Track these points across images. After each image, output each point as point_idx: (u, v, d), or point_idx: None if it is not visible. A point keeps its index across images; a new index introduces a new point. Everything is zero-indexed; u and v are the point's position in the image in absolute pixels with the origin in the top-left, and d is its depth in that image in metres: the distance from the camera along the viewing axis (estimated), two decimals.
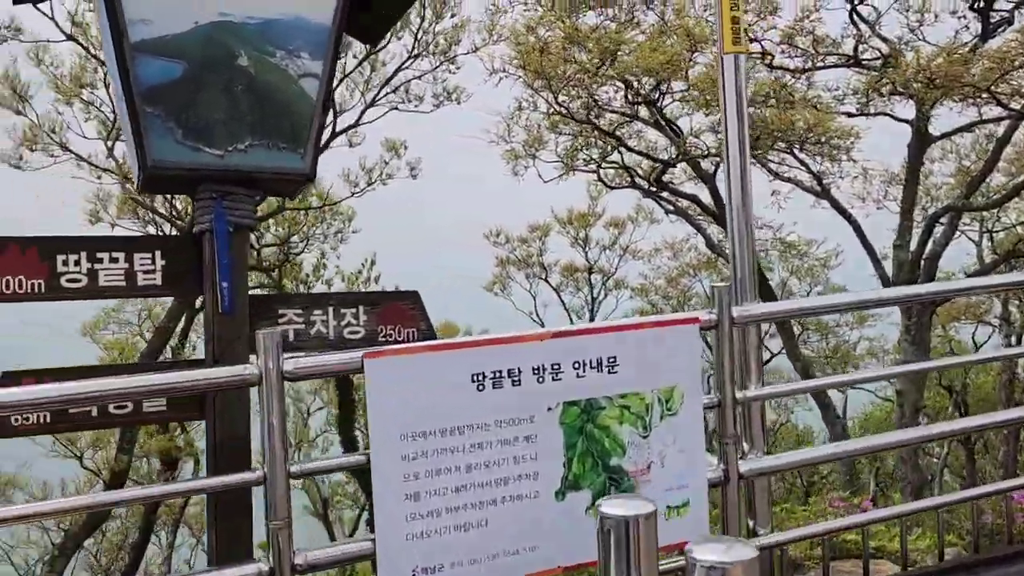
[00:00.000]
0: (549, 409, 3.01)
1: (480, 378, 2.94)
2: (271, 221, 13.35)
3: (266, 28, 3.26)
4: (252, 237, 14.27)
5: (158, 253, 3.38)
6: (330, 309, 3.67)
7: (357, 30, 3.87)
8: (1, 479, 13.30)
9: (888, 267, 13.85)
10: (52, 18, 9.56)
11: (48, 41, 9.86)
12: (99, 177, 11.05)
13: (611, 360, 3.13)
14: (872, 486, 16.68)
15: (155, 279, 3.38)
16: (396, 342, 3.76)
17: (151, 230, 11.65)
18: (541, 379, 3.02)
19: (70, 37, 9.70)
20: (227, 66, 3.21)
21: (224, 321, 3.34)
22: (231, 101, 3.22)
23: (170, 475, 11.37)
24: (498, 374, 2.97)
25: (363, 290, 20.26)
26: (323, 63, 3.36)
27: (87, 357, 12.19)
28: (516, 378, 2.99)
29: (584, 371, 3.08)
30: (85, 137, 10.60)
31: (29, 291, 3.19)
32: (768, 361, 19.29)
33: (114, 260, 3.31)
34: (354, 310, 3.70)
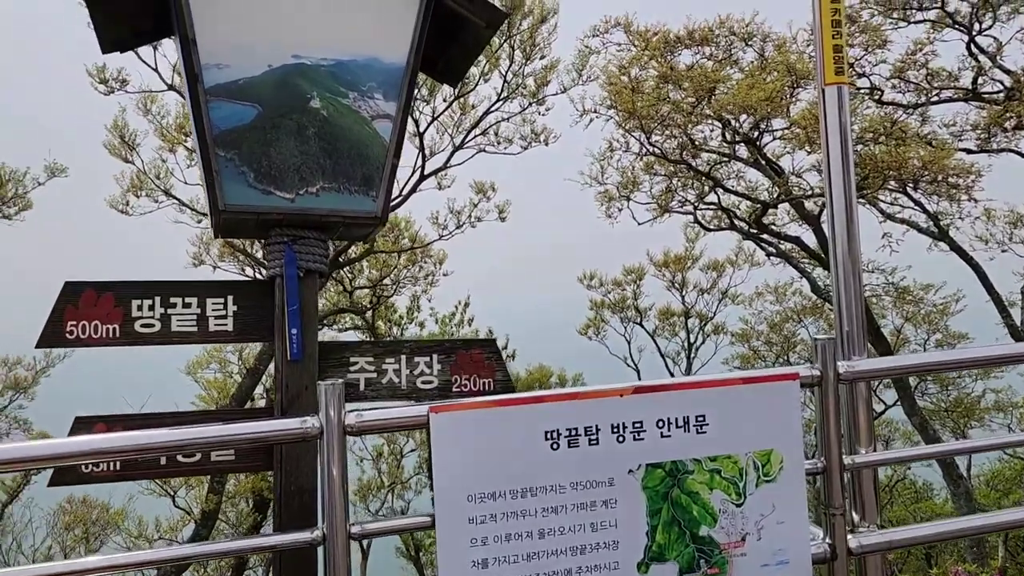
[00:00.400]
0: (630, 471, 2.75)
1: (554, 436, 2.71)
2: (364, 263, 13.53)
3: (339, 69, 3.19)
4: (346, 279, 14.57)
5: (230, 298, 3.32)
6: (403, 357, 3.52)
7: (435, 71, 3.78)
8: (101, 519, 13.80)
9: (1016, 315, 12.82)
10: (156, 69, 10.07)
11: (152, 91, 10.38)
12: (199, 221, 11.48)
13: (699, 419, 2.84)
14: (1002, 551, 15.27)
15: (227, 325, 3.32)
16: (470, 392, 3.57)
17: (249, 272, 11.97)
18: (621, 438, 2.77)
19: (171, 87, 10.17)
20: (299, 109, 3.15)
21: (293, 369, 3.24)
22: (303, 144, 3.16)
23: (259, 518, 11.48)
24: (574, 432, 2.73)
25: (454, 332, 20.31)
26: (397, 104, 3.26)
27: (189, 395, 12.59)
28: (594, 436, 2.75)
29: (669, 430, 2.81)
30: (187, 183, 11.07)
31: (104, 336, 3.17)
32: (881, 414, 18.16)
33: (187, 305, 3.28)
34: (427, 359, 3.54)
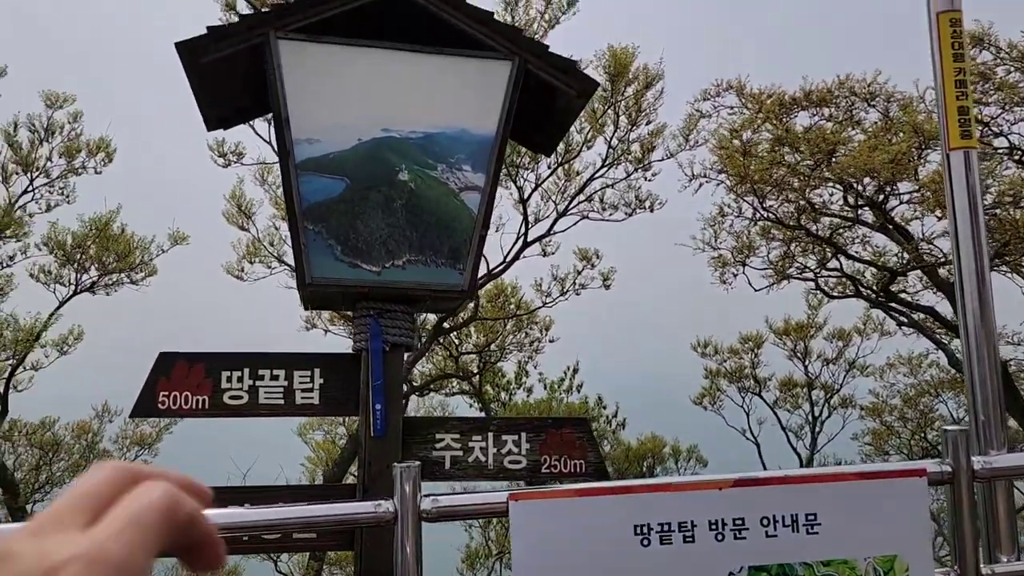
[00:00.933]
0: (731, 574, 2.48)
1: (645, 530, 2.49)
2: (472, 328, 13.57)
3: (427, 142, 3.17)
4: (452, 344, 14.68)
5: (317, 371, 3.29)
6: (490, 435, 3.38)
7: (529, 140, 3.72)
8: None
9: None
10: (269, 142, 10.59)
11: (267, 163, 10.92)
12: None
13: (810, 517, 2.55)
14: None
15: (313, 398, 3.28)
16: (560, 474, 3.38)
17: None
18: (720, 536, 2.51)
19: None
20: (387, 181, 3.14)
21: (376, 445, 3.15)
22: (390, 217, 3.13)
23: None
24: (667, 527, 2.50)
25: (563, 398, 20.02)
26: (485, 175, 3.20)
27: (298, 456, 12.85)
28: (689, 533, 2.50)
29: (775, 529, 2.53)
30: None
31: (194, 408, 3.19)
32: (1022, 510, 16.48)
33: (275, 378, 3.26)
34: (515, 437, 3.38)
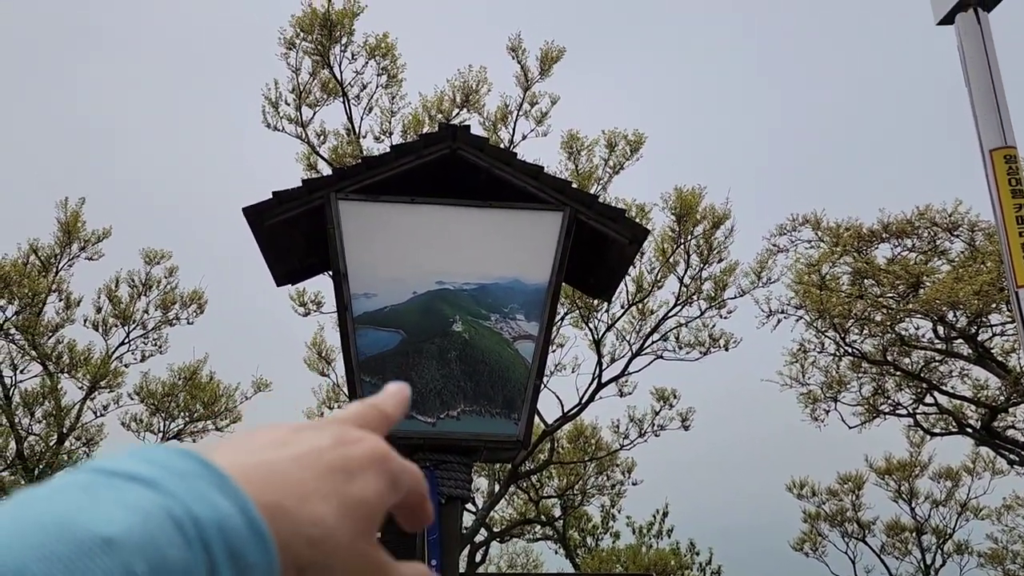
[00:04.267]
0: None
1: None
2: (552, 470, 13.25)
3: (481, 293, 3.23)
4: (534, 486, 14.32)
5: None
6: None
7: (586, 286, 3.74)
8: None
9: None
10: None
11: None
12: None
13: None
14: None
15: None
16: None
17: None
18: None
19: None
20: (442, 333, 3.18)
21: None
22: (445, 368, 3.15)
23: None
24: None
25: (652, 543, 19.07)
26: (539, 324, 3.21)
27: None
28: None
29: None
30: None
31: None
32: None
33: None
34: None
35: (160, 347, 12.30)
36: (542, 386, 3.16)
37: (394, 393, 0.51)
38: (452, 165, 3.38)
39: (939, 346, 11.38)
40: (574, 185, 3.60)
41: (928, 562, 19.30)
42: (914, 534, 19.31)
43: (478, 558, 14.49)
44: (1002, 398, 11.27)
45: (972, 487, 18.66)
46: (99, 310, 12.32)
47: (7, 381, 11.54)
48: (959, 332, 10.81)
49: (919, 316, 10.69)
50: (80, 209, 12.15)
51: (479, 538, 13.77)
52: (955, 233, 10.93)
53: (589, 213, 3.31)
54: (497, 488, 12.21)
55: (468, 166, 3.36)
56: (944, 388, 11.60)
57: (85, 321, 12.21)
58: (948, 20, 3.76)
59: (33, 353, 11.47)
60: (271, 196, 3.19)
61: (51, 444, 11.43)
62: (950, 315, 10.58)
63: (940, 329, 11.07)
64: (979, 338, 10.84)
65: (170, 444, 0.38)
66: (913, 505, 19.26)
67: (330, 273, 3.38)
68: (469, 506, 14.62)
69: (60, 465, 11.27)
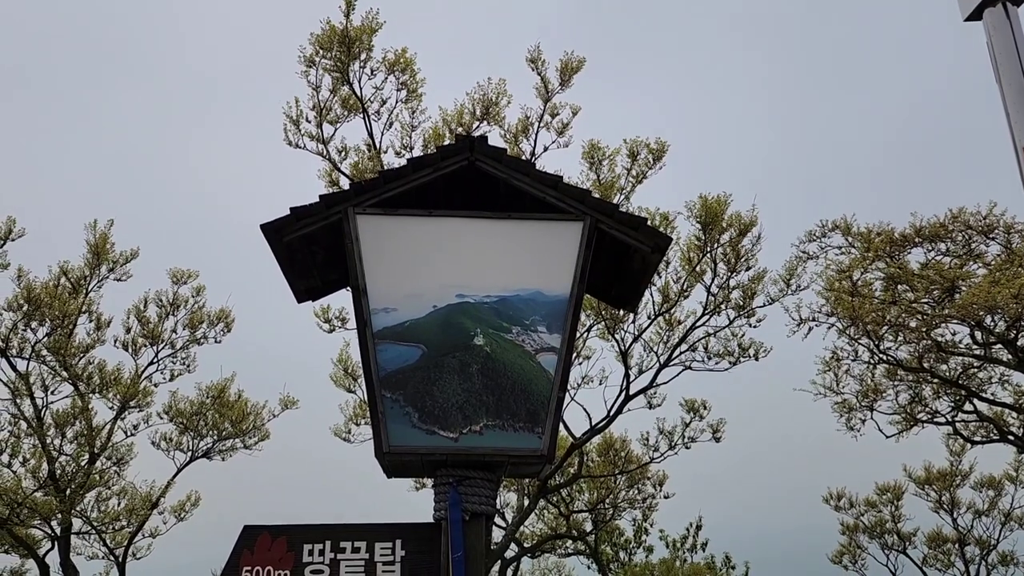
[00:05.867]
0: None
1: None
2: (583, 484, 13.10)
3: (502, 305, 3.17)
4: (564, 500, 14.15)
5: (399, 542, 3.19)
6: None
7: (609, 296, 3.67)
8: None
9: None
10: None
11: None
12: None
13: None
14: None
15: (395, 571, 3.16)
16: None
17: None
18: None
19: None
20: (463, 347, 3.13)
21: None
22: (466, 382, 3.10)
23: None
24: None
25: (687, 558, 18.79)
26: (561, 336, 3.15)
27: None
28: None
29: None
30: None
31: None
32: None
33: (356, 550, 3.18)
34: None
35: (188, 366, 12.43)
36: (568, 399, 3.08)
37: None
38: (470, 177, 3.34)
39: (977, 352, 11.10)
40: (595, 195, 3.53)
41: (972, 574, 18.79)
42: (957, 545, 18.82)
43: (509, 574, 14.36)
44: None
45: (1016, 496, 18.18)
46: (128, 330, 12.47)
47: (39, 402, 11.72)
48: (997, 337, 10.54)
49: (955, 321, 10.44)
50: (109, 231, 12.35)
51: (510, 553, 13.64)
52: (991, 236, 10.68)
53: (610, 222, 3.25)
54: (526, 503, 12.09)
55: (486, 177, 3.31)
56: (983, 395, 11.30)
57: (115, 341, 12.37)
58: (976, 16, 3.66)
59: (64, 374, 11.63)
60: (288, 212, 3.16)
61: (82, 464, 11.56)
62: (988, 320, 10.32)
63: (978, 334, 10.80)
64: (1019, 343, 10.56)
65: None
66: (955, 515, 18.78)
67: (349, 288, 3.34)
68: (499, 521, 14.49)
69: (92, 485, 11.38)
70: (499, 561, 12.98)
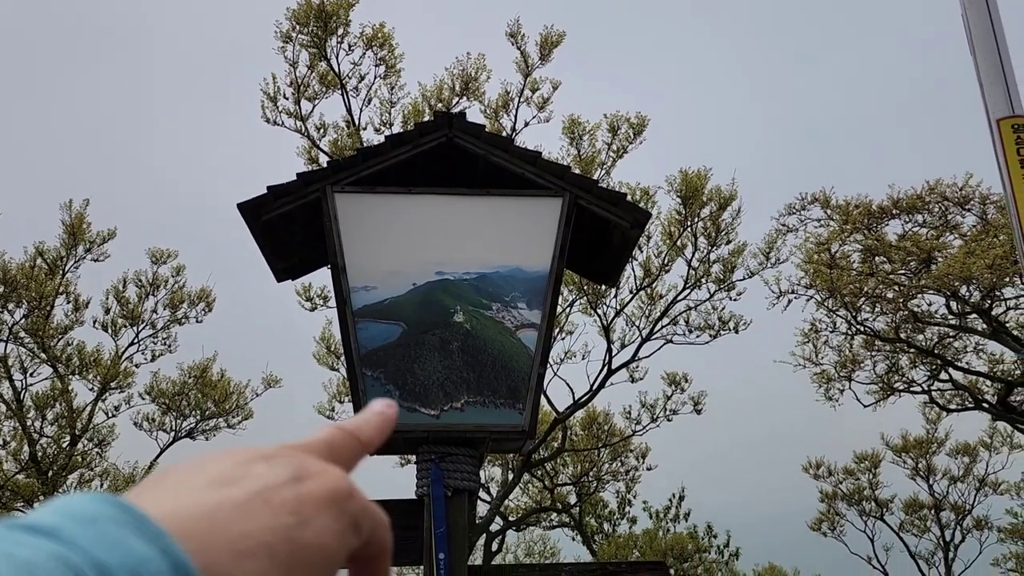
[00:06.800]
0: None
1: None
2: (567, 458, 13.22)
3: (482, 282, 3.18)
4: (548, 474, 14.29)
5: None
6: None
7: (589, 272, 3.69)
8: None
9: None
10: None
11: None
12: None
13: None
14: None
15: None
16: None
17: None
18: None
19: None
20: (443, 324, 3.14)
21: None
22: (447, 359, 3.11)
23: None
24: None
25: (670, 527, 19.09)
26: (541, 312, 3.16)
27: None
28: None
29: None
30: None
31: None
32: None
33: None
34: None
35: (170, 346, 12.37)
36: (550, 374, 3.11)
37: (375, 415, 0.46)
38: (449, 154, 3.33)
39: (953, 321, 11.27)
40: (574, 170, 3.54)
41: (947, 538, 19.24)
42: (933, 511, 19.24)
43: (494, 547, 14.52)
44: (1018, 372, 11.15)
45: (990, 462, 18.58)
46: (107, 311, 12.37)
47: (17, 384, 11.63)
48: (973, 307, 10.69)
49: (932, 292, 10.58)
50: (84, 211, 12.19)
51: (495, 527, 13.77)
52: (966, 207, 10.79)
53: (589, 198, 3.26)
54: (511, 477, 12.18)
55: (465, 154, 3.31)
56: (959, 364, 11.48)
57: (94, 322, 12.27)
58: None
59: (43, 356, 11.54)
60: (266, 191, 3.14)
61: (64, 446, 11.51)
62: (963, 290, 10.46)
63: (953, 304, 10.95)
64: (993, 312, 10.72)
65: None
66: (931, 482, 19.18)
67: (329, 267, 3.33)
68: (483, 495, 14.62)
69: (73, 467, 11.35)
70: (484, 534, 13.10)
